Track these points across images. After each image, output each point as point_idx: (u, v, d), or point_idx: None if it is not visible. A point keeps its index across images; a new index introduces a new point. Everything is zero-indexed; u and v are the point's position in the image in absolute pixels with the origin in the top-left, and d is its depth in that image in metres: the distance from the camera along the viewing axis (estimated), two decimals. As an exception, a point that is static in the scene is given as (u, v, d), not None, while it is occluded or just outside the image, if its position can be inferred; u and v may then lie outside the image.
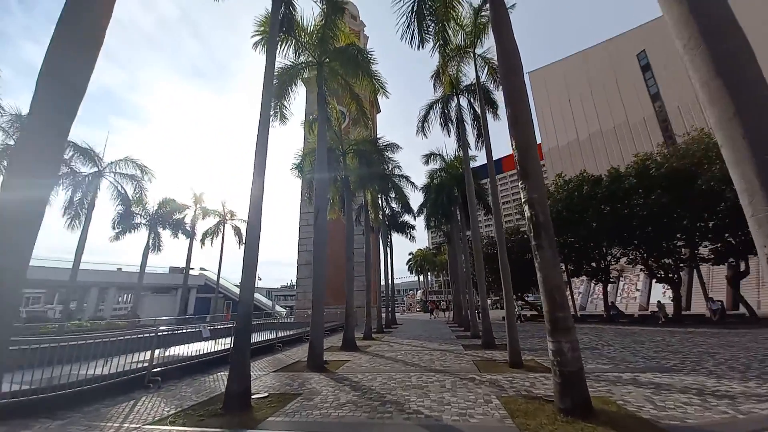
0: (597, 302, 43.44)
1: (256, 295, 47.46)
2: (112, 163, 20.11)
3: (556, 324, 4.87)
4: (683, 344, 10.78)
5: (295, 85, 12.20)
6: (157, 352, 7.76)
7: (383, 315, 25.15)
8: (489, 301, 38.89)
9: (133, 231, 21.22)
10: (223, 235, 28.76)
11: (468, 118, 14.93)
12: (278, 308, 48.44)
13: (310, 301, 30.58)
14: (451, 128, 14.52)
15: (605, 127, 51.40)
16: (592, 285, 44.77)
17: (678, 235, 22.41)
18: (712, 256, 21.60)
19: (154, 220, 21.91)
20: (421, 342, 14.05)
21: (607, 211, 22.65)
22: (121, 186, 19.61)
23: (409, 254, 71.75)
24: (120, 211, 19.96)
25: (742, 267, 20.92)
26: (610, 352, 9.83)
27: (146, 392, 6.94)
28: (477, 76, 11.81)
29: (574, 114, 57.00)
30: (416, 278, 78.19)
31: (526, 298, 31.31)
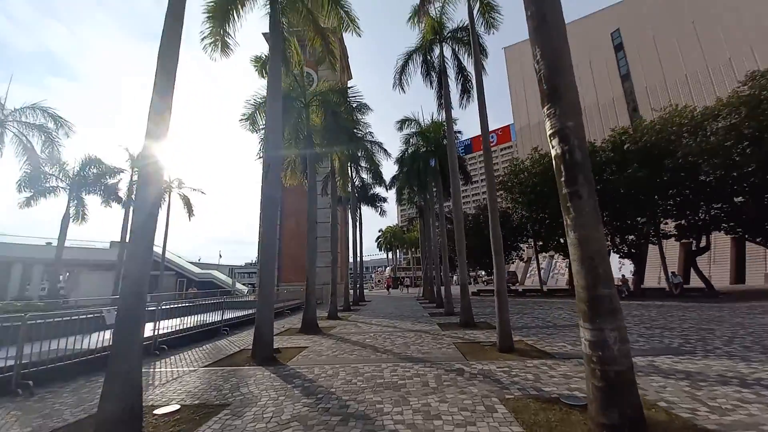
0: (558, 277, 45.17)
1: (214, 272, 44.26)
2: (16, 110, 16.12)
3: (598, 305, 3.36)
4: (667, 319, 10.21)
5: (242, 7, 9.56)
6: (33, 346, 5.55)
7: (351, 292, 23.72)
8: (454, 277, 38.75)
9: (48, 196, 17.52)
10: (169, 205, 25.23)
11: (452, 72, 13.02)
12: (239, 286, 45.53)
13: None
14: (433, 78, 12.56)
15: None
16: (554, 260, 46.49)
17: (646, 213, 22.69)
18: (676, 232, 22.13)
19: (76, 184, 18.23)
20: (393, 321, 12.66)
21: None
22: (27, 139, 15.81)
23: (379, 231, 70.76)
24: (27, 171, 16.21)
25: (702, 243, 21.63)
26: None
27: (12, 400, 4.87)
28: (469, 6, 9.79)
29: (547, 93, 56.85)
30: (385, 255, 77.76)
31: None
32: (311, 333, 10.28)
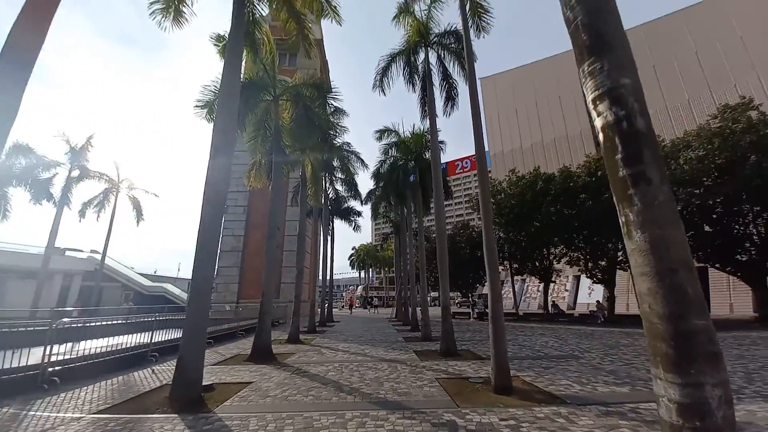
0: (529, 301, 45.09)
1: (166, 286, 40.16)
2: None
3: (692, 345, 2.14)
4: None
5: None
6: None
7: (319, 311, 21.67)
8: (429, 297, 37.38)
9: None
10: (114, 207, 22.32)
11: (436, 79, 12.24)
12: (195, 302, 41.43)
13: (234, 294, 25.42)
14: (416, 82, 11.67)
15: (546, 138, 54.02)
16: (525, 284, 46.60)
17: (618, 239, 22.83)
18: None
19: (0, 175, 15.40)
20: (362, 347, 11.00)
21: (556, 209, 22.19)
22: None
23: (352, 248, 68.65)
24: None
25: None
26: (606, 362, 7.81)
27: None
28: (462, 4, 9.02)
29: (519, 123, 59.20)
30: (357, 274, 75.34)
31: (470, 296, 30.25)
32: (262, 361, 8.43)
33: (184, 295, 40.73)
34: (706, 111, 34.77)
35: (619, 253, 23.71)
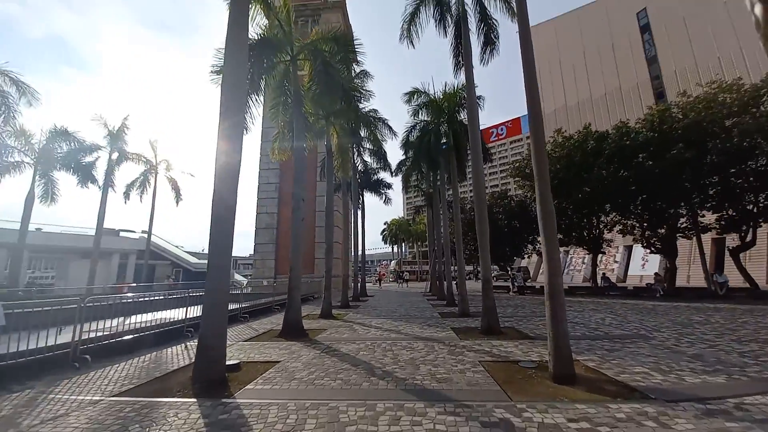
0: (573, 273, 42.53)
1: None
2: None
3: None
4: (754, 326, 7.86)
5: None
6: None
7: (352, 286, 21.65)
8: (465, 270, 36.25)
9: (12, 173, 15.60)
10: (155, 188, 23.24)
11: (473, 22, 10.57)
12: (238, 277, 43.79)
13: (271, 269, 26.10)
14: (449, 24, 10.15)
15: (596, 94, 48.48)
16: (569, 255, 43.80)
17: (681, 203, 20.10)
18: (717, 225, 19.50)
19: (44, 160, 16.26)
20: (396, 323, 10.48)
21: (610, 171, 19.74)
22: (-19, 105, 13.82)
23: (384, 223, 68.55)
24: (-18, 142, 14.25)
25: (748, 237, 18.99)
26: (683, 344, 6.59)
27: None
28: None
29: (564, 79, 53.52)
30: (390, 249, 75.64)
31: (509, 269, 28.83)
32: (293, 338, 8.14)
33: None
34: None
35: (682, 219, 21.01)
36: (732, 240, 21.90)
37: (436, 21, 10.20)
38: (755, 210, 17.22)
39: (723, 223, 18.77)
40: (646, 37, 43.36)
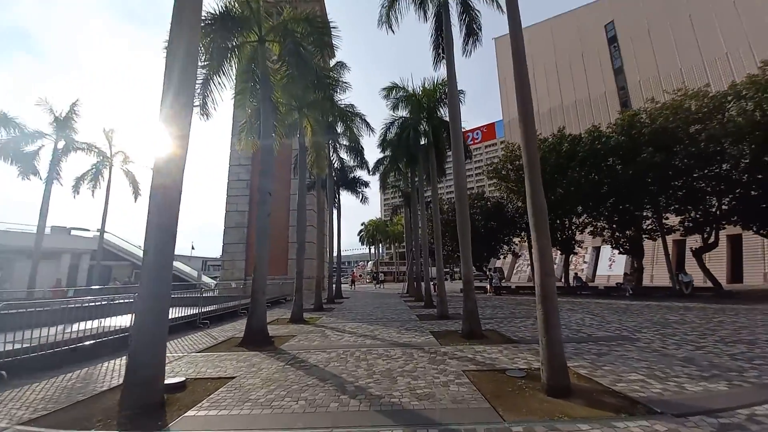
0: (545, 275, 43.62)
1: (176, 264, 39.99)
2: None
3: None
4: (732, 326, 7.86)
5: None
6: None
7: (327, 287, 20.71)
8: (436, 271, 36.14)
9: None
10: (109, 183, 21.14)
11: (454, 11, 10.14)
12: (206, 279, 41.46)
13: (241, 270, 24.55)
14: (429, 9, 9.65)
15: (567, 101, 50.25)
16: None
17: (648, 206, 20.88)
18: (680, 227, 20.39)
19: (-27, 147, 14.22)
20: (372, 327, 9.80)
21: (584, 173, 20.14)
22: None
23: (361, 224, 67.70)
24: None
25: (711, 239, 19.94)
26: (671, 346, 6.36)
27: None
28: None
29: (537, 86, 55.10)
30: (367, 250, 74.78)
31: (485, 269, 28.92)
32: (256, 347, 7.26)
33: (194, 273, 40.65)
34: (745, 65, 31.35)
35: (647, 221, 21.83)
36: (694, 241, 23.09)
37: (416, 5, 9.66)
38: (718, 213, 18.04)
39: (687, 224, 19.61)
40: (613, 49, 45.42)
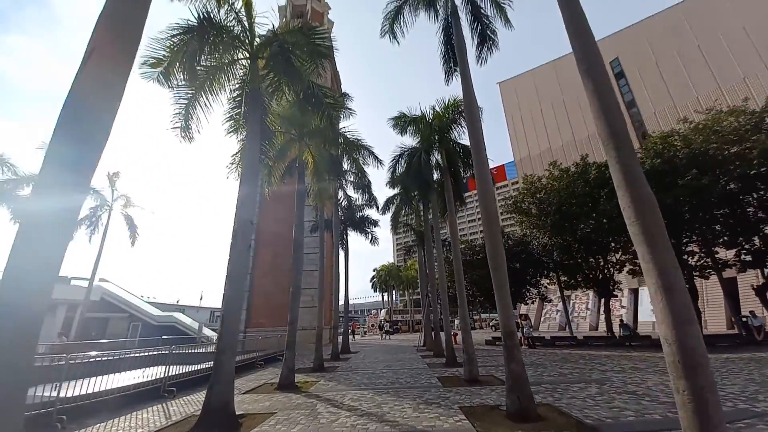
0: (578, 321, 39.11)
1: (177, 315, 37.68)
2: None
3: None
4: None
5: None
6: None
7: (335, 341, 18.13)
8: (453, 321, 32.62)
9: None
10: (106, 227, 20.23)
11: (465, 23, 9.15)
12: (207, 332, 38.70)
13: (242, 321, 22.10)
14: (439, 14, 8.62)
15: (579, 136, 49.54)
16: (571, 301, 40.68)
17: (693, 237, 18.33)
18: (737, 260, 17.57)
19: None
20: (380, 398, 7.38)
21: (616, 201, 17.99)
22: None
23: (373, 270, 64.96)
24: None
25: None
26: None
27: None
28: None
29: (546, 123, 55.34)
30: (380, 297, 70.94)
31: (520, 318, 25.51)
32: (214, 430, 5.05)
33: (195, 325, 37.83)
34: (765, 87, 30.07)
35: (694, 257, 18.98)
36: (752, 278, 19.94)
37: (424, 10, 8.69)
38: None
39: (743, 258, 16.85)
40: (622, 83, 45.41)
